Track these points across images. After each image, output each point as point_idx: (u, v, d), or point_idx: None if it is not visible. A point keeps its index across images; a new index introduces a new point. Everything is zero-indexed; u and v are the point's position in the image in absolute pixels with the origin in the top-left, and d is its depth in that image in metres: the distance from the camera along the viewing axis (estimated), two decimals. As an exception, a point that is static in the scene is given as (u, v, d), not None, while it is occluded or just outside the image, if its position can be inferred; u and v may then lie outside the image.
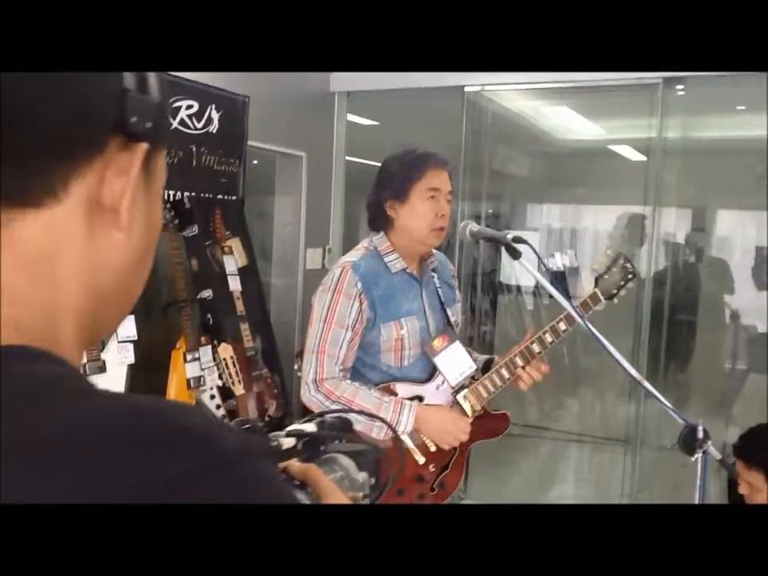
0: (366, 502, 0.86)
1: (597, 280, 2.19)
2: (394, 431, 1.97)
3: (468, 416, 2.09)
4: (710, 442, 1.77)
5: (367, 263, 2.02)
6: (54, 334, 0.49)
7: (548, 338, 2.11)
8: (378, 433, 1.94)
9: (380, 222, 2.08)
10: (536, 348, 2.10)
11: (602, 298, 2.14)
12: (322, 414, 0.92)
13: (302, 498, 0.74)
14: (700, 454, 1.76)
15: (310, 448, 0.84)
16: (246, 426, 0.79)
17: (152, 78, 0.53)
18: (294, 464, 0.77)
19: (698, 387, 4.56)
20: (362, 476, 0.86)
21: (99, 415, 0.43)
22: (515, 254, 1.74)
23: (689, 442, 1.78)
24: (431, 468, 2.08)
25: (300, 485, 0.75)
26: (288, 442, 0.82)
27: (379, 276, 2.03)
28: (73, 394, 0.44)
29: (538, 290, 5.02)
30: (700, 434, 1.76)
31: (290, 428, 0.86)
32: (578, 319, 1.77)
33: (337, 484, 0.80)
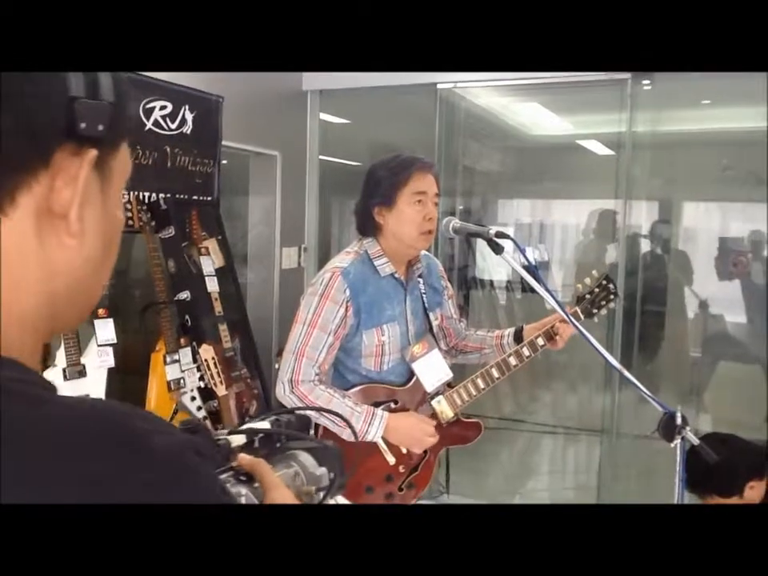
0: (322, 494, 0.88)
1: (578, 299, 2.23)
2: (356, 434, 1.99)
3: (441, 422, 2.12)
4: (688, 428, 1.81)
5: (356, 269, 2.03)
6: (11, 340, 0.50)
7: (525, 351, 2.14)
8: (347, 438, 1.98)
9: (369, 227, 2.09)
10: (513, 361, 2.13)
11: (581, 316, 2.19)
12: (278, 413, 0.94)
13: (247, 491, 0.77)
14: (679, 440, 1.80)
15: (266, 444, 0.87)
16: (188, 426, 0.80)
17: (104, 78, 0.53)
18: (245, 458, 0.79)
19: (666, 376, 4.66)
20: (320, 470, 0.89)
21: (48, 419, 0.46)
22: (498, 249, 1.77)
23: (668, 428, 1.81)
24: (401, 469, 2.11)
25: (247, 479, 0.78)
26: (237, 440, 0.84)
27: (367, 282, 2.04)
28: (29, 399, 0.47)
29: (510, 285, 5.08)
30: (678, 420, 1.80)
31: (244, 426, 0.89)
32: (563, 314, 1.81)
33: (291, 479, 0.85)
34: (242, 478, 0.78)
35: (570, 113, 4.87)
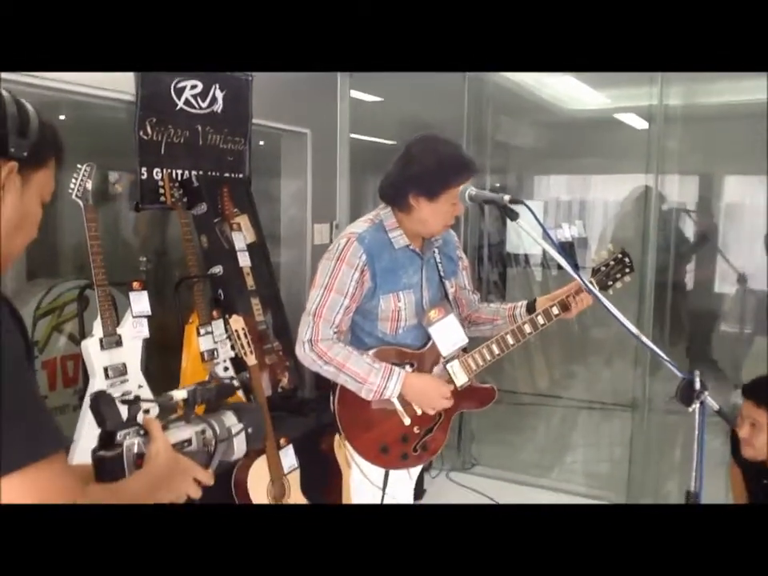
0: (239, 438, 1.20)
1: (594, 271, 2.25)
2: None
3: (455, 386, 2.15)
4: (706, 393, 1.81)
5: (372, 236, 2.08)
6: None
7: (540, 320, 2.17)
8: (366, 395, 2.03)
9: (397, 203, 2.11)
10: (527, 329, 2.16)
11: (596, 288, 2.19)
12: (203, 383, 1.21)
13: (139, 441, 1.06)
14: (697, 405, 1.81)
15: (189, 407, 1.17)
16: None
17: (33, 124, 0.94)
18: (145, 418, 1.09)
19: (702, 350, 4.63)
20: (237, 426, 1.20)
21: None
22: (513, 216, 1.78)
23: (686, 393, 1.82)
24: (416, 430, 2.16)
25: (145, 433, 1.07)
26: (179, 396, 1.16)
27: (383, 249, 2.09)
28: None
29: (546, 262, 5.06)
30: (697, 385, 1.80)
31: (166, 393, 1.17)
32: (580, 281, 1.82)
33: (197, 434, 1.16)
34: (142, 432, 1.08)
35: (604, 86, 4.81)
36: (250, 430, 1.22)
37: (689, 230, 4.71)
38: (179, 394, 1.17)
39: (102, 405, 1.05)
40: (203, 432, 1.17)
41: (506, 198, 1.81)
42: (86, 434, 2.39)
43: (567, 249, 4.93)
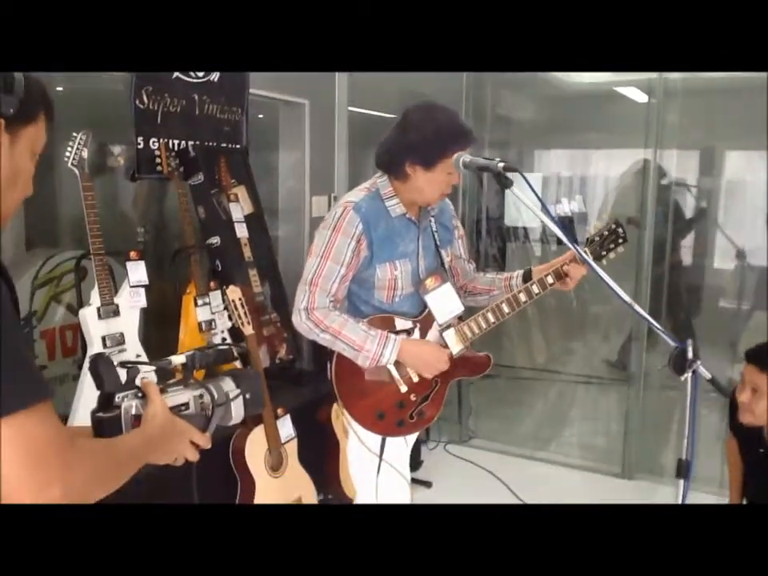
0: (237, 403, 1.22)
1: (588, 241, 2.27)
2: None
3: (451, 353, 2.16)
4: (699, 362, 1.82)
5: (368, 204, 2.08)
6: None
7: (534, 289, 2.18)
8: (362, 362, 2.04)
9: (393, 170, 2.10)
10: (522, 297, 2.17)
11: (590, 258, 2.19)
12: (201, 349, 1.24)
13: (136, 403, 1.09)
14: (690, 374, 1.82)
15: (188, 371, 1.21)
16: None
17: (18, 81, 0.94)
18: (144, 381, 1.11)
19: (698, 326, 4.65)
20: (235, 391, 1.22)
21: None
22: (507, 183, 1.78)
23: (679, 362, 1.83)
24: (412, 397, 2.18)
25: (143, 396, 1.10)
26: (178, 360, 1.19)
27: (379, 218, 2.09)
28: None
29: (545, 236, 5.05)
30: (690, 354, 1.81)
31: (166, 358, 1.18)
32: (575, 250, 1.83)
33: (194, 399, 1.18)
34: (140, 395, 1.11)
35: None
36: (247, 396, 1.24)
37: (688, 204, 4.70)
38: (178, 359, 1.19)
39: (101, 367, 1.08)
40: (201, 396, 1.19)
41: (501, 164, 1.80)
42: (84, 404, 2.41)
43: (567, 224, 4.92)
